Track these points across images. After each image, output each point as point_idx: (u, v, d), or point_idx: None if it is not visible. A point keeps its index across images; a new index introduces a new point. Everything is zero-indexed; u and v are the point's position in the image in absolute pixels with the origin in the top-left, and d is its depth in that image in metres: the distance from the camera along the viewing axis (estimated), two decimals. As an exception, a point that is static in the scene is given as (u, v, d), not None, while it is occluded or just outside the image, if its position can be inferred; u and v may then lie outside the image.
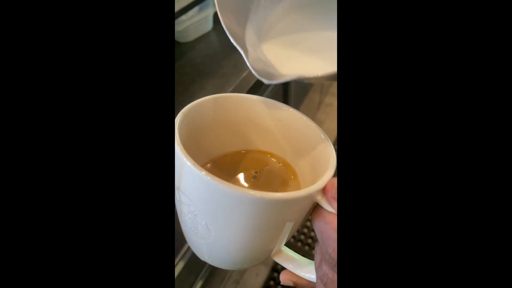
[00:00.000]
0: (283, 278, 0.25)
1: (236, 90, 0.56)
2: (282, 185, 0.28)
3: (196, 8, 0.63)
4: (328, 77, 0.24)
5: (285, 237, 0.23)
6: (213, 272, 0.75)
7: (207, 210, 0.21)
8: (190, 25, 0.62)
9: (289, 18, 0.30)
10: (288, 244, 0.25)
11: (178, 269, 0.56)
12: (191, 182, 0.20)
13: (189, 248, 0.60)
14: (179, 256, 0.58)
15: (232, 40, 0.24)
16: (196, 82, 0.55)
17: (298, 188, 0.28)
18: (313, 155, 0.27)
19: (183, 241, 0.59)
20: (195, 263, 0.65)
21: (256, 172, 0.28)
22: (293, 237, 0.94)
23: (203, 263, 0.72)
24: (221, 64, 0.59)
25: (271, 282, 0.88)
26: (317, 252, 0.22)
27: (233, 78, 0.56)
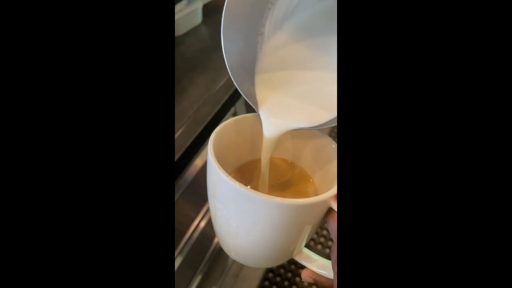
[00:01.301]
0: (304, 276, 0.28)
1: (228, 83, 0.56)
2: (302, 189, 0.32)
3: (184, 1, 0.62)
4: (321, 125, 0.26)
5: (304, 239, 0.26)
6: (212, 266, 0.75)
7: (238, 214, 0.24)
8: (179, 19, 0.61)
9: (287, 49, 0.30)
10: (307, 246, 0.29)
11: (176, 264, 0.56)
12: (225, 191, 0.24)
13: (187, 243, 0.60)
14: (177, 251, 0.58)
15: (246, 99, 0.27)
16: (187, 77, 0.54)
17: (315, 191, 0.32)
18: (324, 162, 0.30)
19: (180, 236, 0.59)
20: (194, 258, 0.65)
21: (279, 180, 0.33)
22: (313, 240, 0.97)
23: (202, 258, 0.72)
24: (211, 58, 0.58)
25: (270, 274, 0.88)
26: (333, 251, 0.25)
27: (224, 72, 0.56)
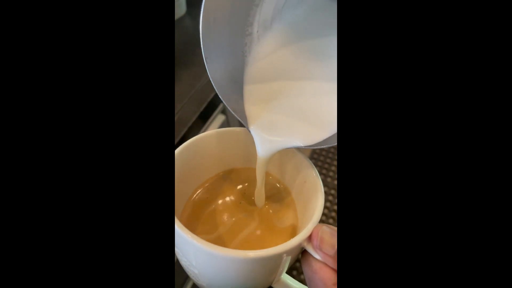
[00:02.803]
0: None
1: (214, 79, 0.52)
2: (277, 202, 0.29)
3: (166, -9, 0.58)
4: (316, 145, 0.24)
5: (282, 271, 0.23)
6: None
7: (197, 264, 0.22)
8: (161, 11, 0.57)
9: (278, 53, 0.26)
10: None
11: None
12: (178, 239, 0.21)
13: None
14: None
15: (234, 114, 0.25)
16: (170, 73, 0.51)
17: (293, 206, 0.29)
18: (302, 184, 0.27)
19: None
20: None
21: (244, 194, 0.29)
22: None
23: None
24: (196, 52, 0.55)
25: (265, 270, 0.87)
26: None
27: (210, 67, 0.53)
